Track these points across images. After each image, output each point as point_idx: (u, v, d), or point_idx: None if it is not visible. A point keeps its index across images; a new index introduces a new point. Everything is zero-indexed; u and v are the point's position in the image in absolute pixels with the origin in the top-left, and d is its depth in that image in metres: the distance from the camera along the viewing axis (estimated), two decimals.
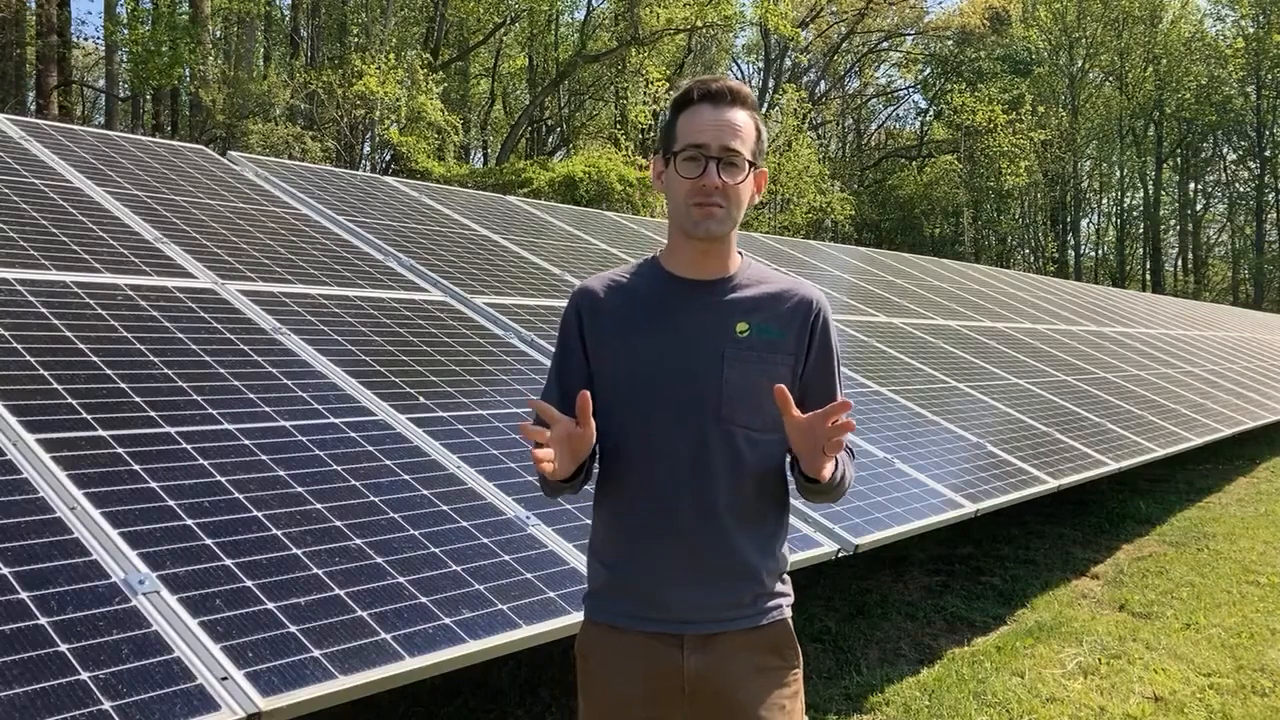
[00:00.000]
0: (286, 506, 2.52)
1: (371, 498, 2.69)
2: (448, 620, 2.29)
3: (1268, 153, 39.75)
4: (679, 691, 1.68)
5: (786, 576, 1.79)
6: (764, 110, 31.91)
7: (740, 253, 1.78)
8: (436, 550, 2.55)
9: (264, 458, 2.70)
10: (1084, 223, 43.77)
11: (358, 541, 2.47)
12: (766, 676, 1.71)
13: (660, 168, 1.73)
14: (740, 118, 1.66)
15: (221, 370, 3.09)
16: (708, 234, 1.66)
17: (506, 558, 2.63)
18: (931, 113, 42.52)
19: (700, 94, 1.66)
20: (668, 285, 1.73)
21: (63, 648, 1.84)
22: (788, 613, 1.76)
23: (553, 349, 1.82)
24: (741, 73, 41.04)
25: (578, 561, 2.72)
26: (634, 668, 1.69)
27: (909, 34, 41.14)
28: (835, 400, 1.71)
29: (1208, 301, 30.86)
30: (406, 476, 2.86)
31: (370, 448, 2.95)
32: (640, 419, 1.69)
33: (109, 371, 2.85)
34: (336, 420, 3.04)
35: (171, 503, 2.37)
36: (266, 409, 2.95)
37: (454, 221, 5.93)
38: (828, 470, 1.61)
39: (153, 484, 2.42)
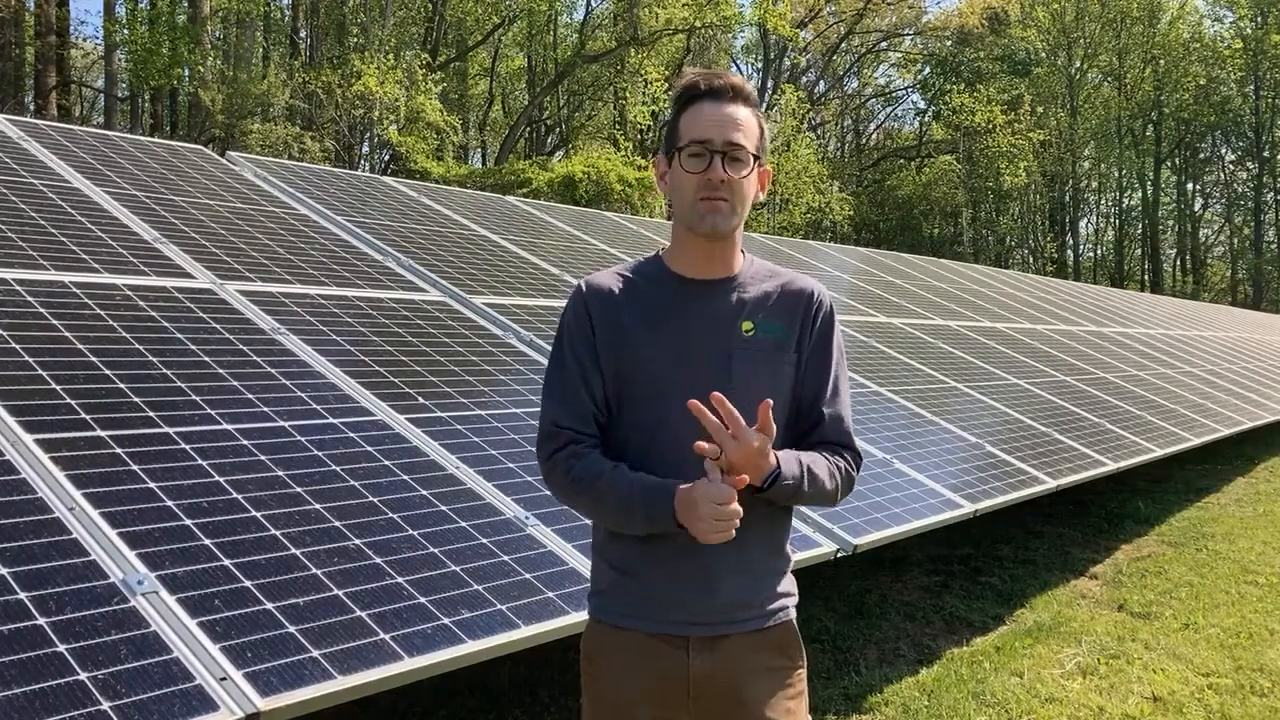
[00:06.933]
0: (285, 507, 2.51)
1: (370, 498, 2.69)
2: (446, 620, 2.28)
3: (1266, 153, 39.78)
4: (684, 693, 1.67)
5: (792, 575, 1.79)
6: (763, 110, 31.90)
7: (743, 251, 1.76)
8: (435, 550, 2.55)
9: (263, 458, 2.69)
10: (1082, 223, 43.83)
11: (356, 542, 2.47)
12: (772, 677, 1.71)
13: (664, 168, 1.72)
14: (743, 114, 1.65)
15: (220, 370, 3.09)
16: (714, 229, 1.65)
17: (505, 558, 2.63)
18: (930, 113, 42.55)
19: (703, 89, 1.66)
20: (674, 286, 1.72)
21: (61, 648, 1.84)
22: (793, 613, 1.76)
23: (552, 350, 1.78)
24: (741, 73, 41.03)
25: (577, 562, 2.72)
26: (639, 669, 1.69)
27: (907, 34, 41.19)
28: (824, 398, 1.73)
29: (1206, 301, 30.87)
30: (405, 477, 2.86)
31: (369, 448, 2.94)
32: (648, 420, 1.68)
33: (108, 372, 2.85)
34: (335, 420, 3.04)
35: (170, 503, 2.37)
36: (265, 409, 2.95)
37: (453, 222, 5.93)
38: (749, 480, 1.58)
39: (151, 484, 2.41)
